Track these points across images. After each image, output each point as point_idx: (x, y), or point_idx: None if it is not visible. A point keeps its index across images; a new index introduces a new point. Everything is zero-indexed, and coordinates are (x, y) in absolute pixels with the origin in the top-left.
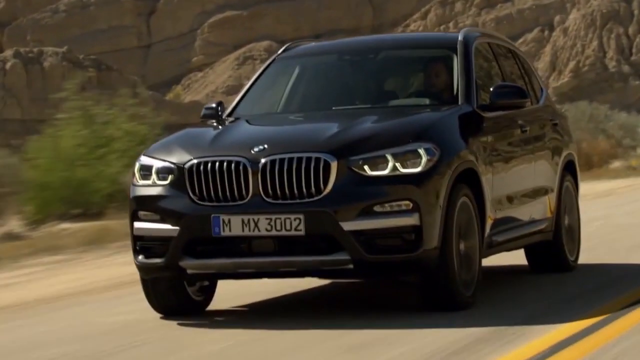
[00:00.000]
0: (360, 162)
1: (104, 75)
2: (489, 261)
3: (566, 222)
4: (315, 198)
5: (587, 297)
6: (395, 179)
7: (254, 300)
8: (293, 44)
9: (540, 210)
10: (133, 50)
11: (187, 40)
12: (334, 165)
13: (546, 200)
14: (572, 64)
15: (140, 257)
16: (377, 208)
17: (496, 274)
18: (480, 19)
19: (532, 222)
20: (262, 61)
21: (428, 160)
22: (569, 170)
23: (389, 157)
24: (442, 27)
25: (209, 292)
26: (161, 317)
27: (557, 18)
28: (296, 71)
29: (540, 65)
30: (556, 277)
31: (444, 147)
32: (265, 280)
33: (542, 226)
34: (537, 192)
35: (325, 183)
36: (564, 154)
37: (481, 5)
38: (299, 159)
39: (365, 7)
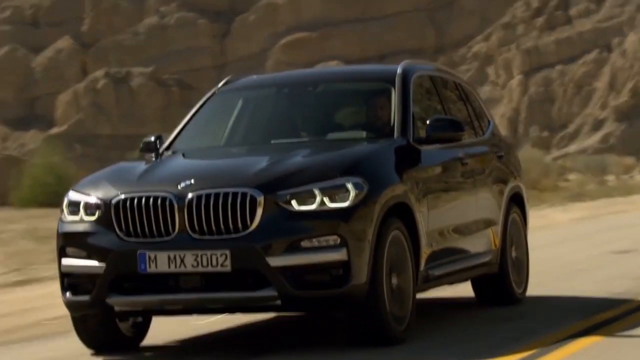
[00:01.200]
0: (288, 197)
1: (185, 94)
2: (438, 293)
3: (513, 254)
4: (242, 234)
5: (523, 333)
6: (323, 214)
7: (189, 335)
8: (233, 78)
9: (483, 243)
10: (208, 70)
11: (259, 60)
12: (260, 200)
13: (489, 233)
14: (630, 84)
15: (68, 294)
16: (304, 243)
17: (442, 306)
18: (541, 41)
19: (475, 255)
20: None
21: (356, 195)
22: (516, 202)
23: (317, 192)
24: (504, 48)
25: (143, 328)
26: (92, 354)
27: (615, 40)
28: (239, 104)
29: (599, 85)
30: (501, 311)
31: (373, 181)
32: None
33: (486, 259)
34: (479, 225)
35: (252, 218)
36: (510, 186)
37: (542, 27)
38: (225, 194)
39: (429, 29)
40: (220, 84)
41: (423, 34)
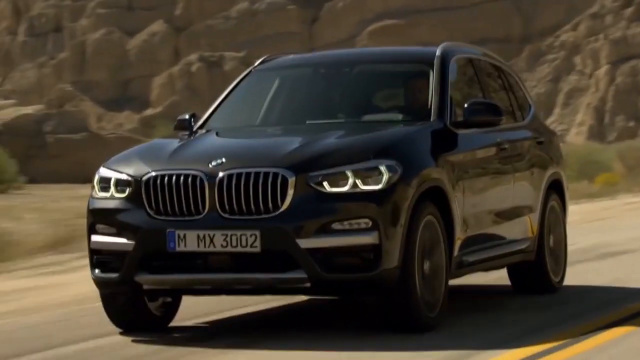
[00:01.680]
0: (320, 179)
1: None
2: (472, 280)
3: (551, 242)
4: (272, 214)
5: (555, 323)
6: (355, 196)
7: (219, 316)
8: (270, 56)
9: (520, 230)
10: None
11: (346, 46)
12: (292, 181)
13: (527, 220)
14: None
15: (97, 271)
16: (335, 225)
17: (477, 293)
18: (629, 32)
19: (511, 242)
20: None
21: (389, 178)
22: (555, 189)
23: (349, 174)
24: (591, 38)
25: (172, 308)
26: (120, 332)
27: None
28: (276, 83)
29: None
30: (538, 300)
31: (407, 164)
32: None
33: (523, 246)
34: (516, 212)
35: (283, 199)
36: (549, 172)
37: (631, 18)
38: (257, 174)
39: (515, 18)
40: (257, 63)
41: (510, 23)
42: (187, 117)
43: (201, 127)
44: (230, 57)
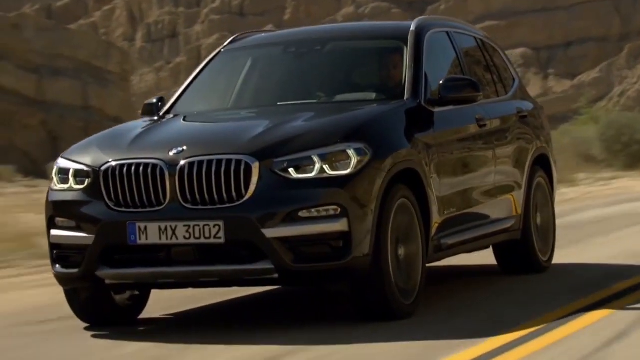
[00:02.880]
0: (285, 165)
1: None
2: (457, 260)
3: (538, 220)
4: (236, 203)
5: (538, 306)
6: (322, 182)
7: (189, 306)
8: (240, 35)
9: (504, 208)
10: None
11: None
12: (255, 168)
13: (512, 198)
14: None
15: (57, 266)
16: (302, 213)
17: (461, 275)
18: None
19: (494, 221)
20: (519, 66)
21: (358, 162)
22: (542, 165)
23: (316, 159)
24: None
25: (141, 300)
26: (85, 328)
27: None
28: (248, 63)
29: None
30: (524, 281)
31: (377, 147)
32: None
33: (507, 225)
34: (499, 190)
35: (247, 187)
36: (534, 148)
37: None
38: (219, 162)
39: (614, 17)
40: (227, 42)
41: (609, 22)
42: (154, 101)
43: (169, 111)
44: None
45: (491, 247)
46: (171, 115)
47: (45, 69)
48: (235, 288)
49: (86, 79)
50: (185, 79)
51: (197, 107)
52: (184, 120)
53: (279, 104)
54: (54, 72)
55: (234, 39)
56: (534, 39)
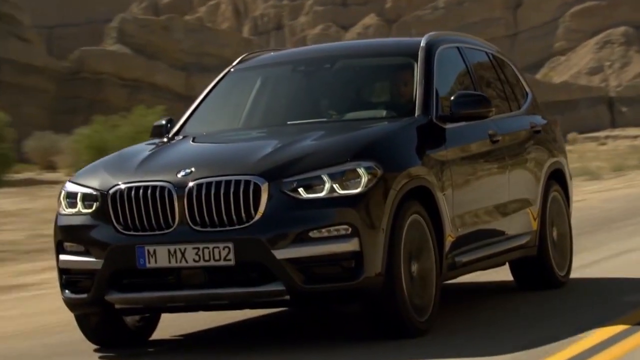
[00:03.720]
0: (294, 184)
1: None
2: (472, 275)
3: (554, 235)
4: (246, 225)
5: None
6: (332, 202)
7: (200, 327)
8: (249, 55)
9: (519, 224)
10: (501, 39)
11: (549, 28)
12: (264, 188)
13: (527, 214)
14: None
15: (67, 291)
16: (313, 234)
17: (476, 291)
18: None
19: (509, 238)
20: (620, 45)
21: (368, 180)
22: (557, 179)
23: (325, 178)
24: None
25: (151, 322)
26: (95, 350)
27: None
28: (257, 83)
29: None
30: (541, 297)
31: (388, 165)
32: None
33: (524, 241)
34: (514, 206)
35: (256, 208)
36: (549, 162)
37: None
38: (227, 183)
39: None
40: (235, 62)
41: None
42: (163, 122)
43: (178, 132)
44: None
45: (507, 262)
46: (180, 137)
47: (193, 66)
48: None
49: None
50: None
51: (207, 128)
52: (192, 141)
53: (288, 123)
54: (201, 68)
55: (242, 58)
56: (636, 17)
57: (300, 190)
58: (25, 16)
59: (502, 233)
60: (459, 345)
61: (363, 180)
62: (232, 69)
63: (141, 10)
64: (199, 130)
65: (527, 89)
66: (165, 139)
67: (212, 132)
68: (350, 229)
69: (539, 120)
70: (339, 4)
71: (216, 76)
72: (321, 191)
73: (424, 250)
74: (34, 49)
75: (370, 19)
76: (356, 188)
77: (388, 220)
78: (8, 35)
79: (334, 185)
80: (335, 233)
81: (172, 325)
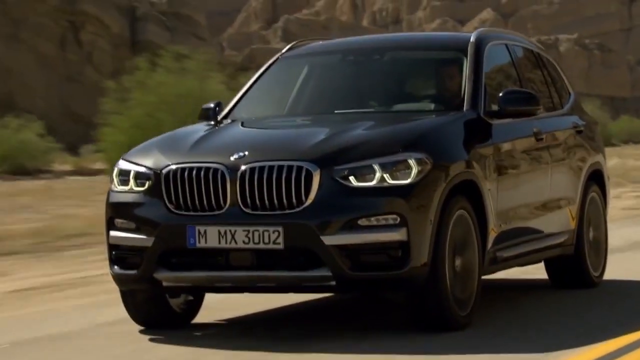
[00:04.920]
0: (346, 172)
1: (605, 57)
2: (508, 273)
3: (590, 235)
4: (296, 210)
5: (600, 323)
6: (382, 191)
7: (247, 311)
8: (298, 43)
9: (558, 222)
10: (615, 33)
11: None
12: (316, 175)
13: (566, 212)
14: None
15: (116, 267)
16: (361, 222)
17: (512, 288)
18: None
19: (548, 235)
20: None
21: (419, 172)
22: (596, 180)
23: (377, 168)
24: None
25: (195, 305)
26: (140, 330)
27: None
28: (304, 71)
29: None
30: (576, 294)
31: (437, 157)
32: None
33: (561, 239)
34: (554, 204)
35: (307, 194)
36: (589, 162)
37: None
38: (280, 168)
39: None
40: (285, 50)
41: None
42: (212, 105)
43: (226, 116)
44: (564, 40)
45: (543, 261)
46: (229, 121)
47: None
48: (288, 295)
49: None
50: None
51: (254, 113)
52: (242, 125)
53: (336, 112)
54: None
55: (292, 46)
56: None
57: (351, 178)
58: (202, 17)
59: (541, 231)
60: (492, 340)
61: (413, 171)
62: (281, 56)
63: (260, 4)
64: (246, 115)
65: (570, 89)
66: (213, 122)
67: (260, 117)
68: (398, 219)
69: (580, 120)
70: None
71: None
72: (371, 180)
73: (468, 244)
74: (210, 47)
75: (487, 14)
76: (406, 179)
77: (436, 212)
78: (188, 35)
79: (385, 175)
80: (383, 222)
81: (214, 310)
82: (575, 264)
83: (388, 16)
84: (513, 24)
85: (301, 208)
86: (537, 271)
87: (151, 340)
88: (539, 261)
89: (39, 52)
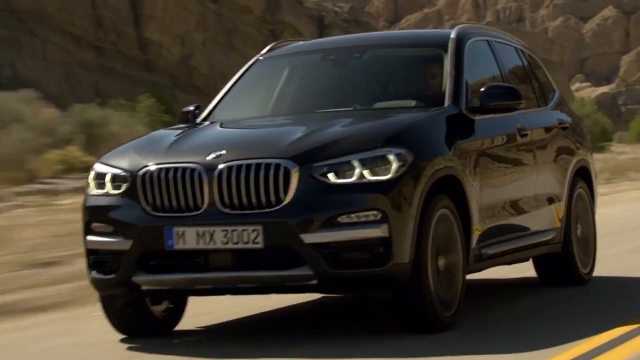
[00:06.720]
0: (324, 169)
1: None
2: (495, 272)
3: (578, 232)
4: (275, 208)
5: (588, 319)
6: (362, 187)
7: (230, 317)
8: (277, 44)
9: (545, 220)
10: None
11: None
12: (294, 173)
13: (552, 210)
14: None
15: (94, 272)
16: (342, 219)
17: (500, 287)
18: None
19: (535, 233)
20: None
21: (399, 167)
22: (582, 177)
23: (356, 164)
24: None
25: (177, 312)
26: (121, 340)
27: None
28: (286, 72)
29: None
30: (565, 292)
31: (418, 152)
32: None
33: (548, 237)
34: (540, 201)
35: (286, 192)
36: (575, 159)
37: None
38: (258, 166)
39: None
40: (264, 50)
41: None
42: (191, 108)
43: (206, 119)
44: None
45: (531, 259)
46: (208, 122)
47: None
48: (272, 301)
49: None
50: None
51: (234, 115)
52: (221, 126)
53: (317, 111)
54: None
55: (272, 47)
56: None
57: (330, 175)
58: (378, 23)
59: (527, 228)
60: (480, 340)
61: (393, 166)
62: (260, 57)
63: (382, 4)
64: (226, 117)
65: (554, 86)
66: (192, 124)
67: (240, 118)
68: (379, 215)
69: (566, 117)
70: None
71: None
72: (351, 176)
73: (451, 244)
74: None
75: (609, 11)
76: (386, 174)
77: (417, 208)
78: None
79: (364, 171)
80: (364, 219)
81: (197, 316)
82: (564, 262)
83: (511, 14)
84: (634, 21)
85: (280, 206)
86: (525, 269)
87: (129, 349)
88: (526, 259)
89: (247, 58)
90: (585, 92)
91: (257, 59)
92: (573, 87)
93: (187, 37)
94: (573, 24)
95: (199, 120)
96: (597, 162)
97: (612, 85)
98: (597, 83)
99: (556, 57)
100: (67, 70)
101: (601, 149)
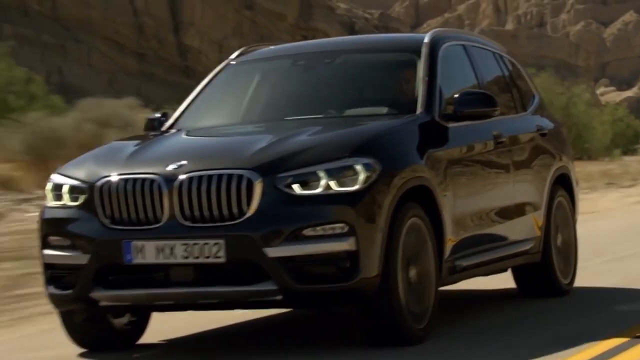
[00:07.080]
0: (289, 180)
1: None
2: (474, 283)
3: (558, 241)
4: (237, 221)
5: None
6: (328, 199)
7: (191, 331)
8: (248, 48)
9: (523, 229)
10: None
11: None
12: (258, 184)
13: (531, 219)
14: None
15: (51, 287)
16: (307, 232)
17: (477, 298)
18: None
19: (513, 243)
20: None
21: (367, 177)
22: (563, 185)
23: (322, 174)
24: None
25: (140, 324)
26: (80, 354)
27: None
28: (257, 77)
29: None
30: (544, 305)
31: (387, 162)
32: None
33: (527, 247)
34: (518, 210)
35: (249, 204)
36: (555, 167)
37: None
38: (219, 177)
39: None
40: (234, 55)
41: None
42: (157, 115)
43: (172, 126)
44: None
45: (510, 269)
46: (174, 130)
47: (532, 67)
48: (237, 313)
49: (563, 72)
50: None
51: (202, 122)
52: (186, 134)
53: (286, 118)
54: (539, 69)
55: (241, 51)
56: None
57: (295, 186)
58: (406, 29)
59: (505, 238)
60: (457, 353)
61: (361, 177)
62: (231, 62)
63: (403, 9)
64: (194, 124)
65: (534, 91)
66: (157, 133)
67: (207, 126)
68: (346, 228)
69: (546, 122)
70: (599, 2)
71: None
72: (317, 187)
73: (423, 254)
74: None
75: (630, 16)
76: (353, 185)
77: (386, 220)
78: None
79: (330, 182)
80: (330, 231)
81: (160, 330)
82: (543, 272)
83: (532, 19)
84: None
85: (243, 219)
86: (504, 281)
87: None
88: (504, 270)
89: None
90: (610, 96)
91: (228, 64)
92: (598, 92)
93: (224, 43)
94: (594, 29)
95: (164, 127)
96: (634, 163)
97: (635, 89)
98: (619, 87)
99: (582, 61)
100: (111, 76)
101: (634, 152)
